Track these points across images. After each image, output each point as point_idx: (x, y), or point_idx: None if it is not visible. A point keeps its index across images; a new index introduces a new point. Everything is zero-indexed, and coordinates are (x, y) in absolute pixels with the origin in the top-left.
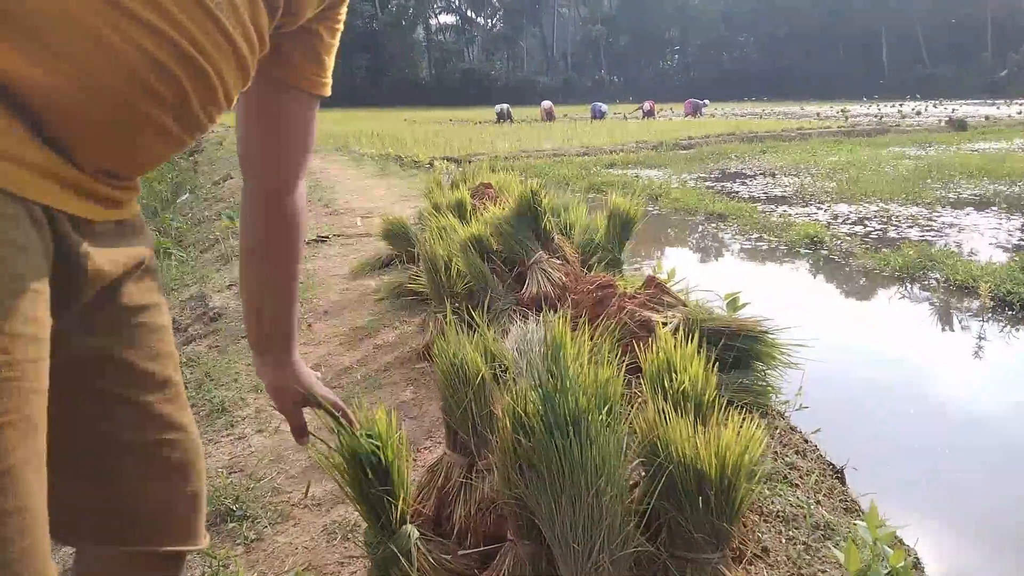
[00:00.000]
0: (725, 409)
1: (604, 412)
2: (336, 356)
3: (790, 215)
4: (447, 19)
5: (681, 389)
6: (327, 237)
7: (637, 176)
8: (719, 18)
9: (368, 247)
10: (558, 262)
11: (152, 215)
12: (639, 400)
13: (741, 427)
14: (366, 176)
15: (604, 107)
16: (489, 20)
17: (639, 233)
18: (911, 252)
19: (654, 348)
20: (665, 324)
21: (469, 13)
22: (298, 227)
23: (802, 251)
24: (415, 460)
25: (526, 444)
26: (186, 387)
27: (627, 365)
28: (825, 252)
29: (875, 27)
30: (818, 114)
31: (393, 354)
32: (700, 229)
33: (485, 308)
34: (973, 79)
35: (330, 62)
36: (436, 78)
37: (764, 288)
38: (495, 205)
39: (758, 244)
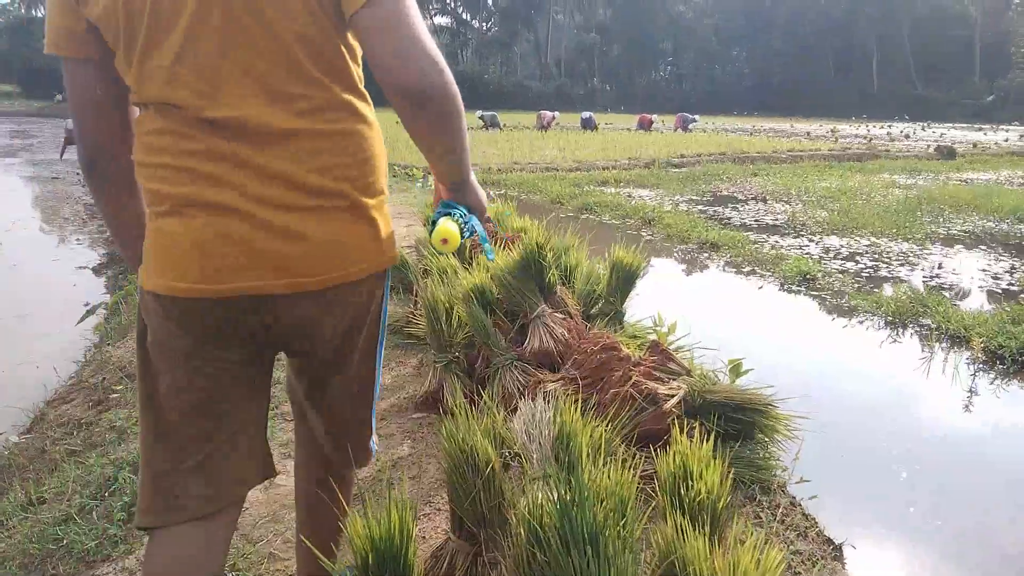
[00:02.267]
0: (734, 495)
1: (621, 526)
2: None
3: (782, 247)
4: (442, 21)
5: (698, 499)
6: None
7: (630, 196)
8: (711, 32)
9: None
10: (560, 316)
11: None
12: (653, 504)
13: (758, 544)
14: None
15: (594, 118)
16: (484, 24)
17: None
18: (903, 296)
19: (671, 453)
20: (671, 397)
21: (464, 15)
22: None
23: (795, 289)
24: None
25: (541, 559)
26: None
27: (634, 435)
28: (817, 292)
29: (866, 47)
30: (808, 133)
31: (390, 400)
32: (694, 259)
33: (487, 365)
34: (961, 102)
35: None
36: None
37: (760, 332)
38: (494, 244)
39: (752, 278)
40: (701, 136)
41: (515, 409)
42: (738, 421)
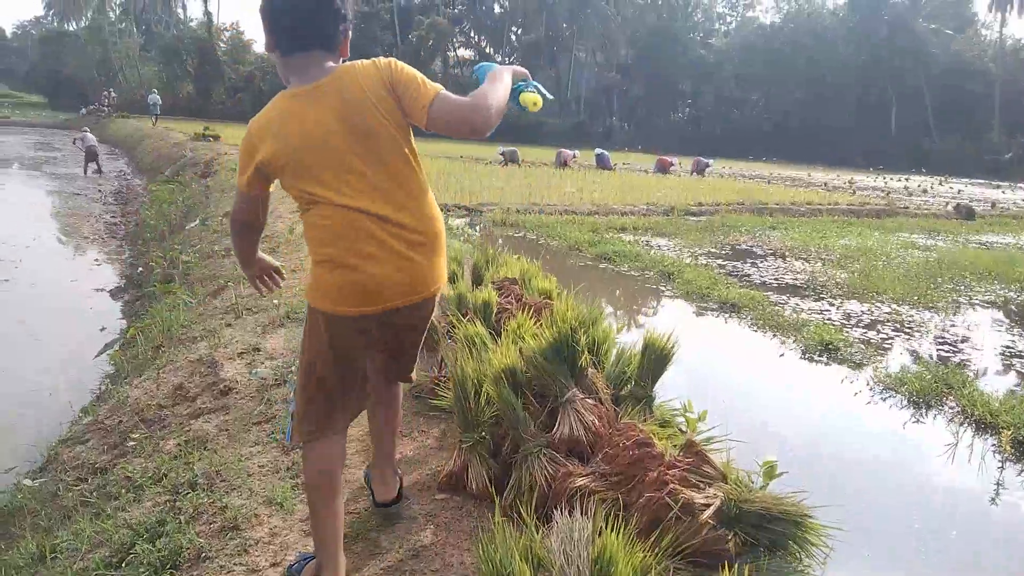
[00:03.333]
0: None
1: None
2: (349, 468)
3: (803, 310)
4: (465, 53)
5: None
6: None
7: (648, 245)
8: (731, 76)
9: None
10: (591, 402)
11: (159, 239)
12: None
13: None
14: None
15: (605, 153)
16: (507, 58)
17: (656, 321)
18: (926, 375)
19: None
20: (707, 507)
21: (488, 49)
22: None
23: (816, 358)
24: None
25: None
26: (195, 484)
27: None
28: (839, 363)
29: (885, 98)
30: (825, 184)
31: (412, 475)
32: (715, 321)
33: (514, 448)
34: (979, 158)
35: (418, 88)
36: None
37: (785, 410)
38: (521, 311)
39: (773, 344)
40: (718, 181)
41: (547, 516)
42: (771, 531)
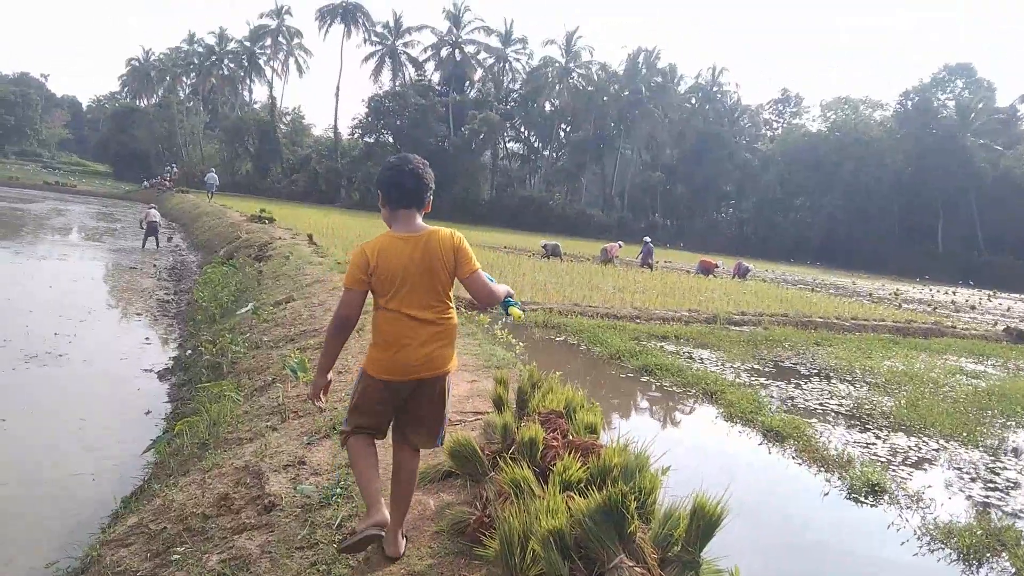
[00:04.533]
0: None
1: None
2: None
3: (848, 442)
4: (514, 147)
5: None
6: None
7: (690, 358)
8: (776, 180)
9: None
10: (640, 571)
11: (210, 322)
12: None
13: None
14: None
15: (651, 246)
16: (555, 154)
17: (699, 452)
18: (978, 530)
19: None
20: None
21: (536, 144)
22: None
23: (863, 501)
24: None
25: None
26: None
27: None
28: (886, 507)
29: (932, 208)
30: (871, 294)
31: None
32: (759, 453)
33: None
34: None
35: (468, 262)
36: (496, 199)
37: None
38: (568, 451)
39: (818, 483)
40: (761, 287)
41: None
42: None
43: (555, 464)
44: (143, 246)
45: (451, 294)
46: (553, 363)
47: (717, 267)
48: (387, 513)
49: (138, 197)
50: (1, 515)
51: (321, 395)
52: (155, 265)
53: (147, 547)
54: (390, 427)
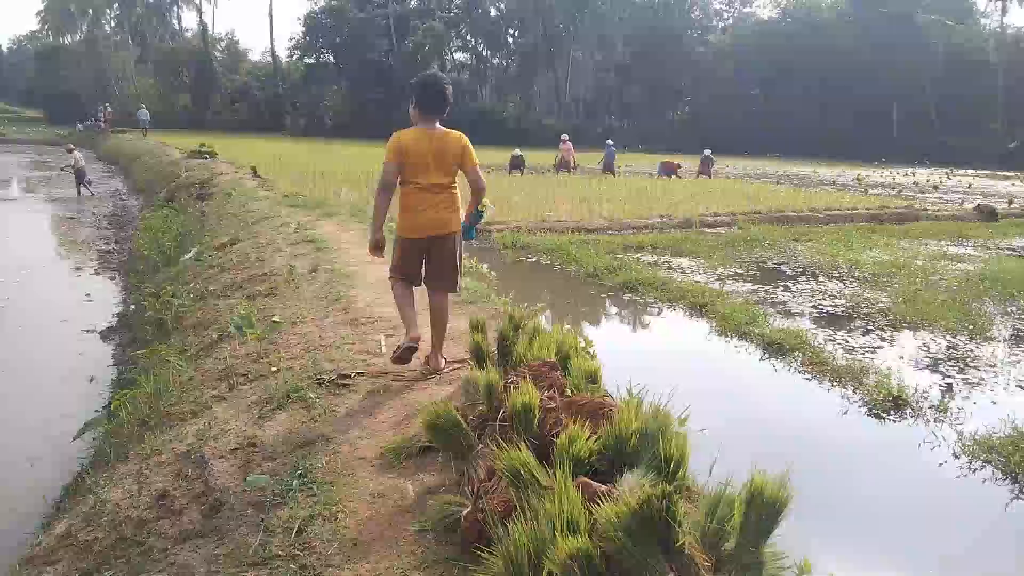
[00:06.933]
0: None
1: None
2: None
3: (854, 348)
4: (462, 57)
5: None
6: (349, 378)
7: (671, 268)
8: (730, 72)
9: (397, 401)
10: None
11: (154, 271)
12: None
13: None
14: (387, 256)
15: (614, 149)
16: (504, 61)
17: (693, 373)
18: (1022, 442)
19: None
20: None
21: (485, 53)
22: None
23: (888, 418)
24: None
25: None
26: None
27: None
28: (911, 422)
29: (886, 92)
30: (833, 182)
31: None
32: (763, 370)
33: None
34: (983, 149)
35: (471, 159)
36: (448, 115)
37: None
38: (571, 416)
39: (833, 400)
40: (727, 184)
41: None
42: None
43: (556, 433)
44: (78, 194)
45: (455, 176)
46: (528, 289)
47: (680, 167)
48: (419, 332)
49: (73, 141)
50: None
51: (378, 250)
52: (94, 213)
53: (75, 564)
54: (422, 279)
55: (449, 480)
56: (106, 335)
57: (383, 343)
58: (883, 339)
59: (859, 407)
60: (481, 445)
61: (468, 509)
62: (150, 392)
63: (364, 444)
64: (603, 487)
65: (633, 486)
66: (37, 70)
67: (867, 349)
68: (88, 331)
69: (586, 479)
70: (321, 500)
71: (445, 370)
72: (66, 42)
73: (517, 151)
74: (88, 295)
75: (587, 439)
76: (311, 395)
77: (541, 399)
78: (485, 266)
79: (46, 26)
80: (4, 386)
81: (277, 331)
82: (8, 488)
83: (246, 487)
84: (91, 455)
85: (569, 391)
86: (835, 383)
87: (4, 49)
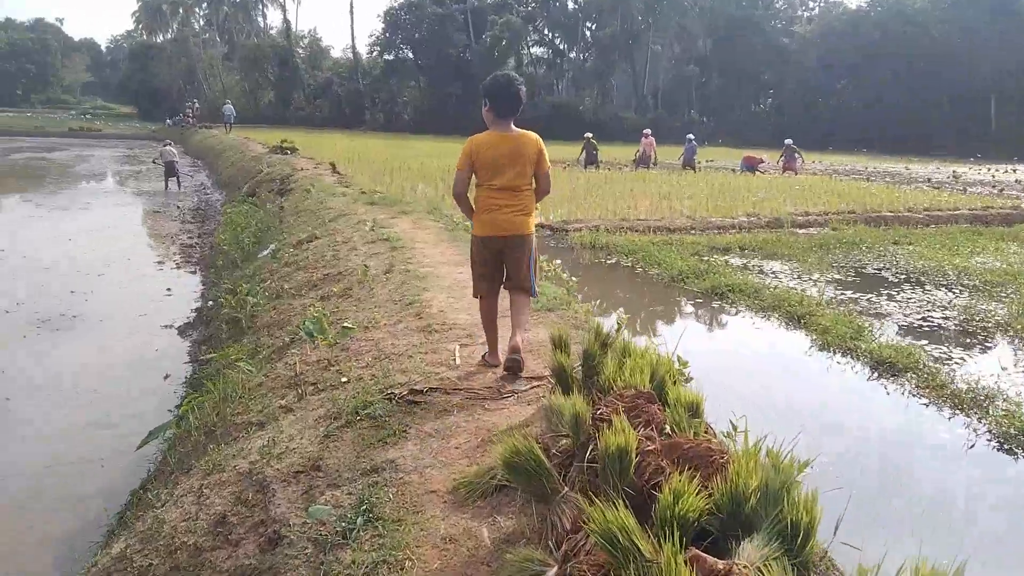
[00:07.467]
0: None
1: None
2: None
3: (974, 377)
4: (538, 51)
5: None
6: (421, 393)
7: (762, 273)
8: (816, 63)
9: (472, 423)
10: None
11: (232, 267)
12: None
13: None
14: (461, 257)
15: (695, 144)
16: (581, 55)
17: (796, 394)
18: None
19: None
20: None
21: (562, 46)
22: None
23: (1018, 453)
24: None
25: None
26: None
27: None
28: None
29: (984, 84)
30: (928, 180)
31: None
32: (875, 392)
33: None
34: None
35: (545, 162)
36: (524, 108)
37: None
38: (673, 465)
39: (956, 429)
40: (816, 181)
41: None
42: None
43: (656, 483)
44: (165, 188)
45: (530, 178)
46: (609, 294)
47: (763, 162)
48: (500, 359)
49: (163, 136)
50: (3, 517)
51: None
52: (179, 207)
53: None
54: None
55: (529, 527)
56: (183, 331)
57: (457, 354)
58: (1004, 359)
59: (987, 440)
60: (567, 488)
61: (554, 571)
62: (218, 398)
63: (435, 475)
64: (720, 564)
65: (754, 559)
66: (130, 67)
67: (989, 379)
68: (166, 326)
69: (697, 552)
70: (387, 543)
71: (523, 389)
72: (158, 40)
73: (589, 134)
74: (169, 289)
75: (695, 494)
76: (380, 412)
77: (638, 440)
78: (564, 270)
79: (140, 25)
80: (81, 380)
81: (349, 336)
82: (79, 489)
83: (307, 519)
84: (157, 460)
85: (668, 428)
86: (957, 410)
87: (103, 48)
